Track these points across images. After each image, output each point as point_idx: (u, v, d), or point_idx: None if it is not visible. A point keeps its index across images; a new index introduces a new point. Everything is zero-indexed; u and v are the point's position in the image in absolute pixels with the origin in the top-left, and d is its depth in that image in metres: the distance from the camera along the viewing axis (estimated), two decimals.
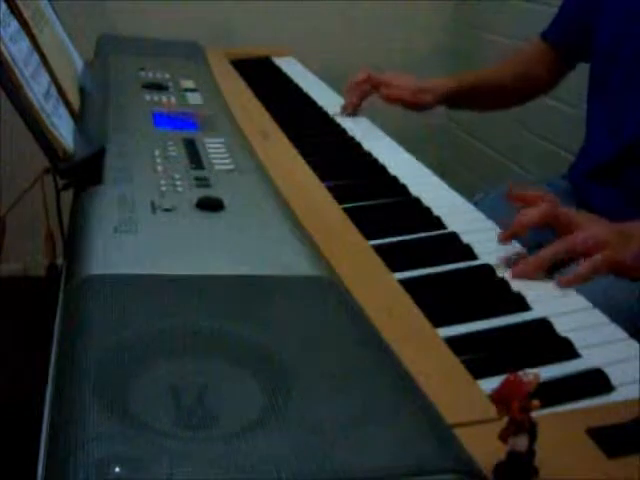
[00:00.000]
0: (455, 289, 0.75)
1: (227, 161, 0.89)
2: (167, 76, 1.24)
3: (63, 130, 0.82)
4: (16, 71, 0.77)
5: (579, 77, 1.29)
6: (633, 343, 0.66)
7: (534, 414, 0.46)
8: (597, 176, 1.16)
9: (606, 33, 1.16)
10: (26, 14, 0.90)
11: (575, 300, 0.73)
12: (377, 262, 0.76)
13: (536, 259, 0.76)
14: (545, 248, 0.76)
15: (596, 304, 0.72)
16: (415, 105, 1.31)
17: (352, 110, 1.30)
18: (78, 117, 0.94)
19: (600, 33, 1.17)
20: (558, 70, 1.33)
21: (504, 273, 0.76)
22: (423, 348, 0.62)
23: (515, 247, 0.82)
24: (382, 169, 1.05)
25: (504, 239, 0.80)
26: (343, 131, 1.21)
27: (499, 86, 1.37)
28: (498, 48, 2.10)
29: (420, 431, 0.47)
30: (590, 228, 0.77)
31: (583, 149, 1.25)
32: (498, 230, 0.86)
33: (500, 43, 2.10)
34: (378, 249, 0.79)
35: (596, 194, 1.16)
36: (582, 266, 0.75)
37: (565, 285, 0.74)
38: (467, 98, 1.36)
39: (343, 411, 0.47)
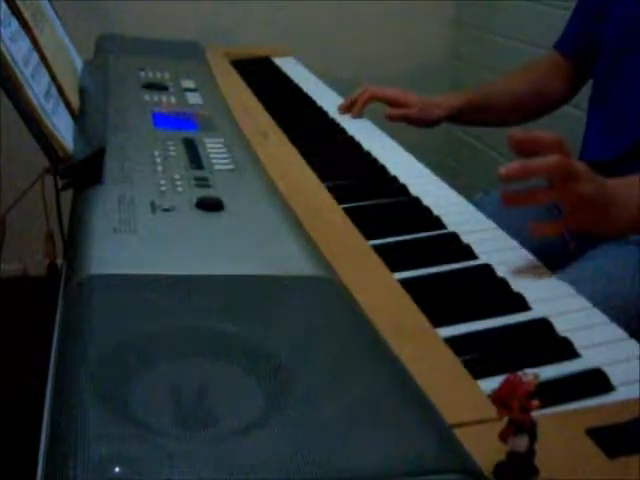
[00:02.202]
0: (455, 289, 0.75)
1: (227, 161, 0.89)
2: (167, 76, 1.24)
3: (63, 130, 0.82)
4: (16, 71, 0.77)
5: None
6: (633, 343, 0.66)
7: (534, 414, 0.46)
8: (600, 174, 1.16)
9: (610, 40, 1.15)
10: (26, 14, 0.90)
11: (575, 300, 0.73)
12: (377, 262, 0.76)
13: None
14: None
15: (596, 304, 0.72)
16: (422, 120, 1.29)
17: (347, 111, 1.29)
18: (78, 117, 0.94)
19: (604, 40, 1.16)
20: (576, 81, 1.30)
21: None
22: (423, 348, 0.62)
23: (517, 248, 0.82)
24: (382, 169, 1.05)
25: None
26: (343, 131, 1.21)
27: (511, 103, 1.34)
28: (499, 49, 2.10)
29: (420, 431, 0.47)
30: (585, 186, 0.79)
31: (580, 155, 1.25)
32: (498, 230, 0.86)
33: (501, 44, 2.10)
34: (378, 249, 0.79)
35: None
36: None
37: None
38: (476, 114, 1.33)
39: (343, 411, 0.47)
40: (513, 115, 1.38)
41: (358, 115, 1.28)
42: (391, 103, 1.31)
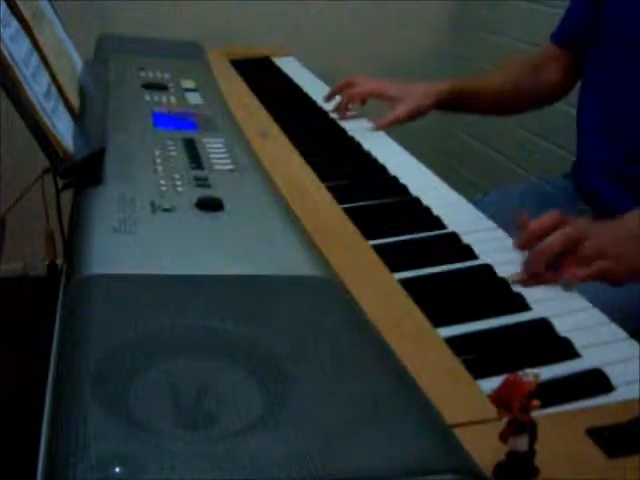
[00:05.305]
0: (455, 289, 0.75)
1: (227, 161, 0.89)
2: (167, 76, 1.24)
3: (63, 130, 0.82)
4: (16, 71, 0.77)
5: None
6: (633, 343, 0.66)
7: (534, 414, 0.46)
8: (605, 174, 1.15)
9: (611, 28, 1.13)
10: (26, 14, 0.90)
11: (575, 300, 0.73)
12: (377, 262, 0.76)
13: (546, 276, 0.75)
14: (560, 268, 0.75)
15: (596, 304, 0.72)
16: (412, 117, 1.26)
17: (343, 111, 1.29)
18: (78, 117, 0.94)
19: (604, 28, 1.15)
20: (572, 72, 1.28)
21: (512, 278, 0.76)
22: (423, 348, 0.62)
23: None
24: (382, 169, 1.05)
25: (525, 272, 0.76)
26: (343, 131, 1.21)
27: (500, 95, 1.32)
28: (499, 48, 2.10)
29: (420, 431, 0.47)
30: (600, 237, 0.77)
31: (585, 147, 1.23)
32: (498, 230, 0.86)
33: (501, 43, 2.10)
34: (378, 249, 0.79)
35: (604, 191, 1.15)
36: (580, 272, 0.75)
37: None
38: (462, 103, 1.31)
39: (343, 411, 0.48)
40: (504, 105, 1.36)
41: (345, 115, 1.28)
42: (372, 97, 1.29)
